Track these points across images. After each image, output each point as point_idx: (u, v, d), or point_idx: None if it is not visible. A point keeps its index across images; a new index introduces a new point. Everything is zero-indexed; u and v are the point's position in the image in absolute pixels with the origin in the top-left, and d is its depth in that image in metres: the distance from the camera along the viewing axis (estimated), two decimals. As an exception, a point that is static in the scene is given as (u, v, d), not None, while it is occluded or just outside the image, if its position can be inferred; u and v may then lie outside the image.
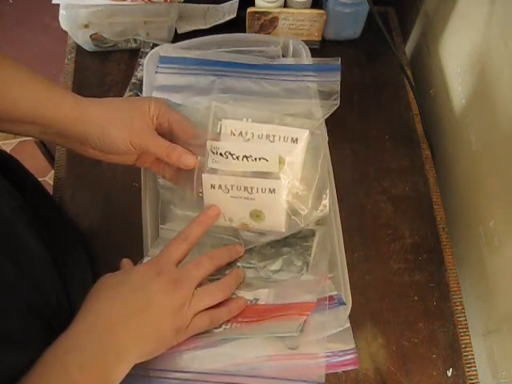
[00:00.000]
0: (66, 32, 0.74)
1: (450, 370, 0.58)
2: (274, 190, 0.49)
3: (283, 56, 0.65)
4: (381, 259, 0.64)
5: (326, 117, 0.52)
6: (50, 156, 1.28)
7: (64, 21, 0.71)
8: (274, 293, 0.48)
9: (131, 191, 0.65)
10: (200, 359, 0.43)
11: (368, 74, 0.78)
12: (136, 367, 0.40)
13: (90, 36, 0.73)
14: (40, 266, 0.45)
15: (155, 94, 0.54)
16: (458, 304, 0.62)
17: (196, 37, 0.65)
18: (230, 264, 0.50)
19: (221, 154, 0.49)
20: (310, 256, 0.52)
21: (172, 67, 0.57)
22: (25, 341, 0.38)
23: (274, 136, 0.49)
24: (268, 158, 0.48)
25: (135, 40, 0.75)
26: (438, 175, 0.71)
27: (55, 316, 0.43)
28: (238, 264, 0.51)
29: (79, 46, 0.77)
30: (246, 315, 0.46)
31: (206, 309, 0.44)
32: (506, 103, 0.57)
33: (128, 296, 0.41)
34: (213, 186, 0.49)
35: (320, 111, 0.52)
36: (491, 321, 0.62)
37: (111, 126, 0.46)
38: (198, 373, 0.42)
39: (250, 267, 0.51)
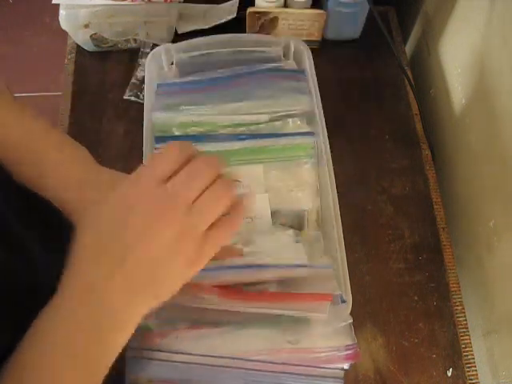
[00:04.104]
0: (66, 32, 0.74)
1: (450, 370, 0.58)
2: None
3: (284, 57, 0.65)
4: (381, 259, 0.64)
5: None
6: (50, 156, 1.28)
7: (64, 21, 0.71)
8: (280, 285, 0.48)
9: (131, 191, 0.65)
10: (198, 346, 0.43)
11: (368, 74, 0.78)
12: (133, 349, 0.40)
13: (90, 36, 0.73)
14: (39, 263, 0.45)
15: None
16: (458, 304, 0.62)
17: (196, 37, 0.65)
18: None
19: None
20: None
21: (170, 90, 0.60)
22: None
23: None
24: None
25: (135, 40, 0.75)
26: (438, 175, 0.71)
27: None
28: None
29: (79, 46, 0.77)
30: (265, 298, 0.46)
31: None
32: (505, 103, 0.57)
33: (105, 248, 0.34)
34: None
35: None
36: (491, 321, 0.62)
37: None
38: (199, 355, 0.42)
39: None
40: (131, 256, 0.33)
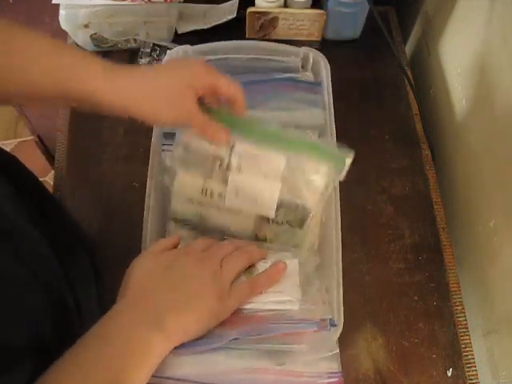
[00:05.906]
0: (66, 32, 0.74)
1: (450, 369, 0.58)
2: None
3: (302, 67, 0.65)
4: (381, 259, 0.64)
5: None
6: (50, 156, 1.28)
7: (64, 21, 0.71)
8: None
9: (131, 191, 0.65)
10: (185, 365, 0.42)
11: (368, 74, 0.78)
12: None
13: (90, 36, 0.73)
14: (45, 263, 0.45)
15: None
16: (458, 304, 0.62)
17: (195, 36, 0.65)
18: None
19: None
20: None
21: None
22: (38, 339, 0.38)
23: None
24: None
25: (135, 40, 0.75)
26: (438, 175, 0.71)
27: (64, 314, 0.43)
28: None
29: (79, 46, 0.77)
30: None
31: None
32: (505, 103, 0.57)
33: (164, 274, 0.44)
34: None
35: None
36: (491, 321, 0.62)
37: (156, 112, 0.47)
38: (183, 380, 0.41)
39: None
40: (176, 292, 0.42)
